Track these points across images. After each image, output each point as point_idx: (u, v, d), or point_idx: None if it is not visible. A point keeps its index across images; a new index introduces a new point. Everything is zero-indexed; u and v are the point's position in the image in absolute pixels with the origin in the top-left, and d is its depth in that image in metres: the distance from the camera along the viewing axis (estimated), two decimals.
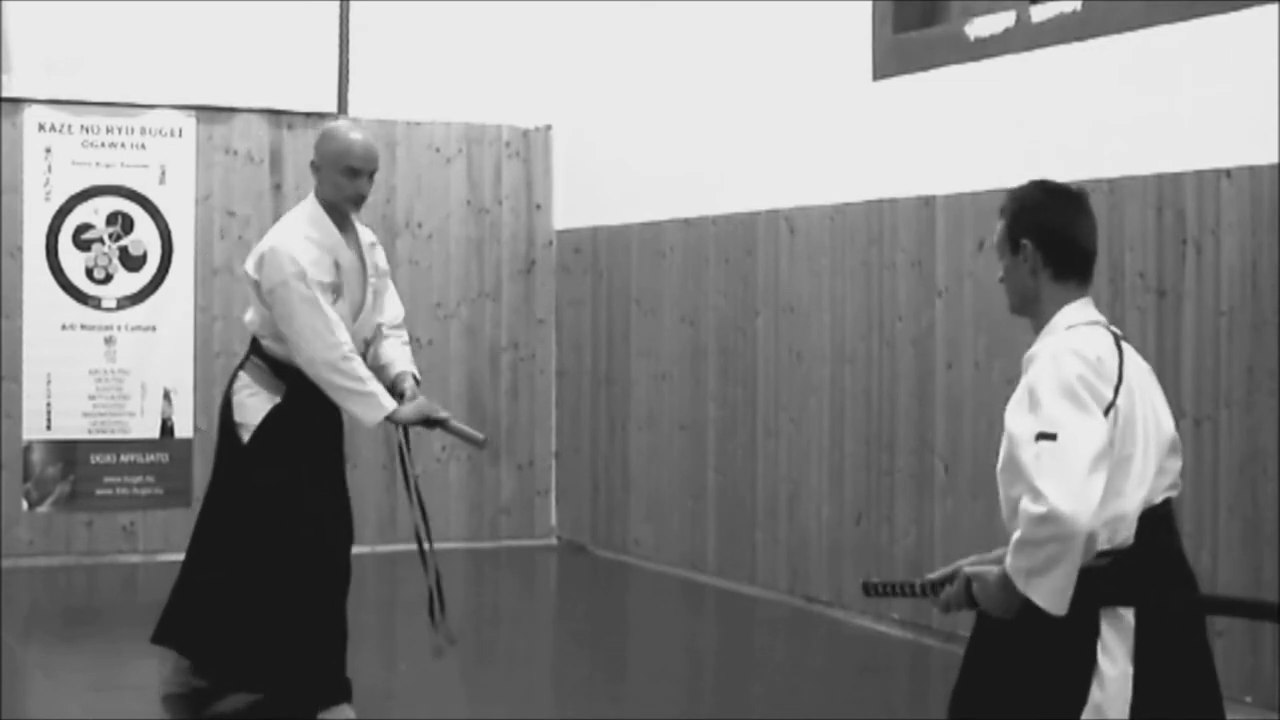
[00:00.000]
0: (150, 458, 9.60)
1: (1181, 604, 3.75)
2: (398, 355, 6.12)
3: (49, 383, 9.45)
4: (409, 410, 5.90)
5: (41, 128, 9.47)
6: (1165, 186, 6.48)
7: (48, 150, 9.49)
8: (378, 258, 6.16)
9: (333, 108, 9.90)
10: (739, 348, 8.89)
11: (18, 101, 9.39)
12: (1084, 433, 3.56)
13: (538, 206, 10.50)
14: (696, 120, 9.25)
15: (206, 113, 9.75)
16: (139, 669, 7.24)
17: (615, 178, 9.98)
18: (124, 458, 9.56)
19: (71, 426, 9.48)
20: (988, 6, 7.48)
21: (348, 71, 9.97)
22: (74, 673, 7.04)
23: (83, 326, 9.52)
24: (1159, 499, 3.75)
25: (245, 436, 5.96)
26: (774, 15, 8.64)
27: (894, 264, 7.85)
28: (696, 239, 9.23)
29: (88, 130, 9.54)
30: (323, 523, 5.94)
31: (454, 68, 10.27)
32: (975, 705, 3.83)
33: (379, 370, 6.02)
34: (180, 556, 6.43)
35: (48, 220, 9.48)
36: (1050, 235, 3.79)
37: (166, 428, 9.62)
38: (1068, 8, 6.94)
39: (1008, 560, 3.61)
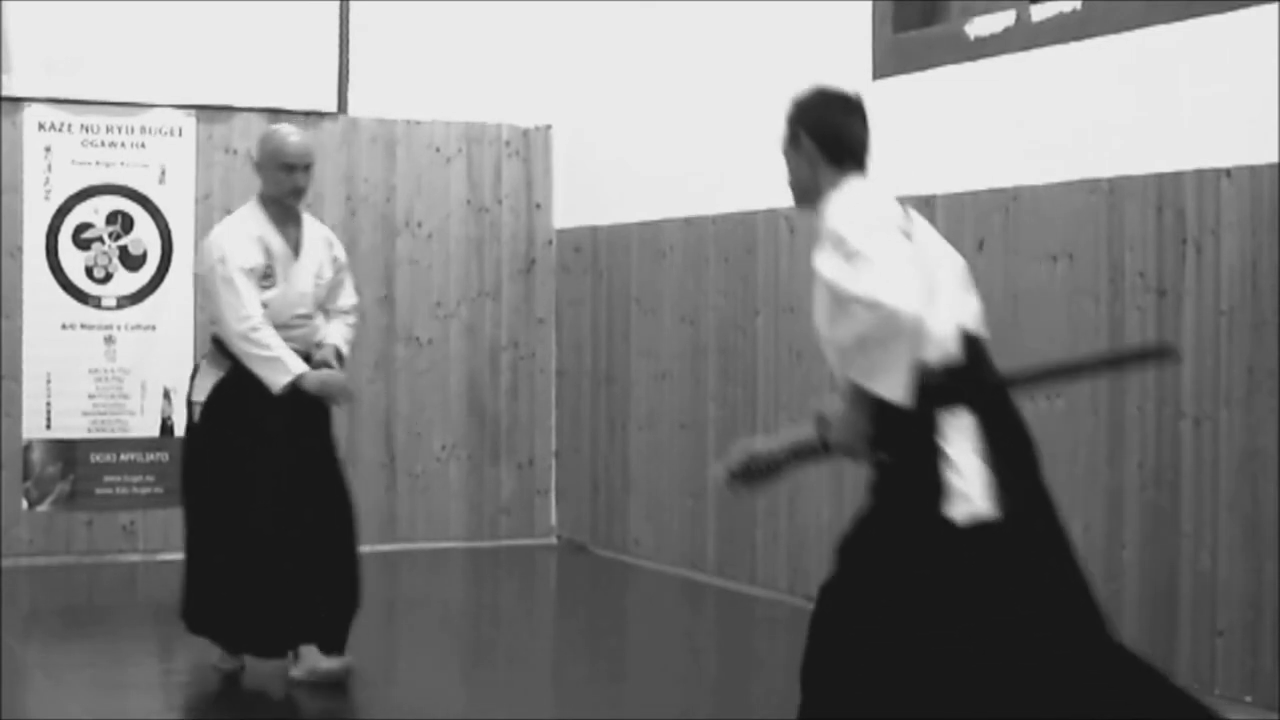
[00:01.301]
0: (150, 457, 9.60)
1: (1008, 387, 4.22)
2: (331, 330, 6.70)
3: (49, 382, 9.45)
4: (313, 379, 6.44)
5: (41, 127, 9.47)
6: (1165, 186, 6.47)
7: (48, 150, 9.49)
8: (336, 251, 6.76)
9: (332, 107, 9.91)
10: (739, 347, 8.89)
11: (18, 101, 9.39)
12: (888, 246, 4.00)
13: (538, 206, 10.49)
14: (696, 120, 9.25)
15: (206, 112, 9.74)
16: (139, 668, 7.26)
17: (615, 177, 9.98)
18: (124, 457, 9.56)
19: (71, 426, 9.48)
20: (987, 6, 7.48)
21: (348, 71, 9.97)
22: (74, 673, 7.03)
23: (83, 326, 9.52)
24: (971, 327, 4.17)
25: (196, 414, 6.54)
26: (774, 15, 8.63)
27: None
28: (696, 238, 9.23)
29: (88, 130, 9.54)
30: (248, 496, 6.37)
31: (454, 67, 10.26)
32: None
33: (318, 345, 6.61)
34: (181, 555, 6.69)
35: (48, 220, 9.48)
36: (824, 128, 4.35)
37: (166, 427, 9.61)
38: (1067, 7, 6.94)
39: (850, 373, 4.04)
